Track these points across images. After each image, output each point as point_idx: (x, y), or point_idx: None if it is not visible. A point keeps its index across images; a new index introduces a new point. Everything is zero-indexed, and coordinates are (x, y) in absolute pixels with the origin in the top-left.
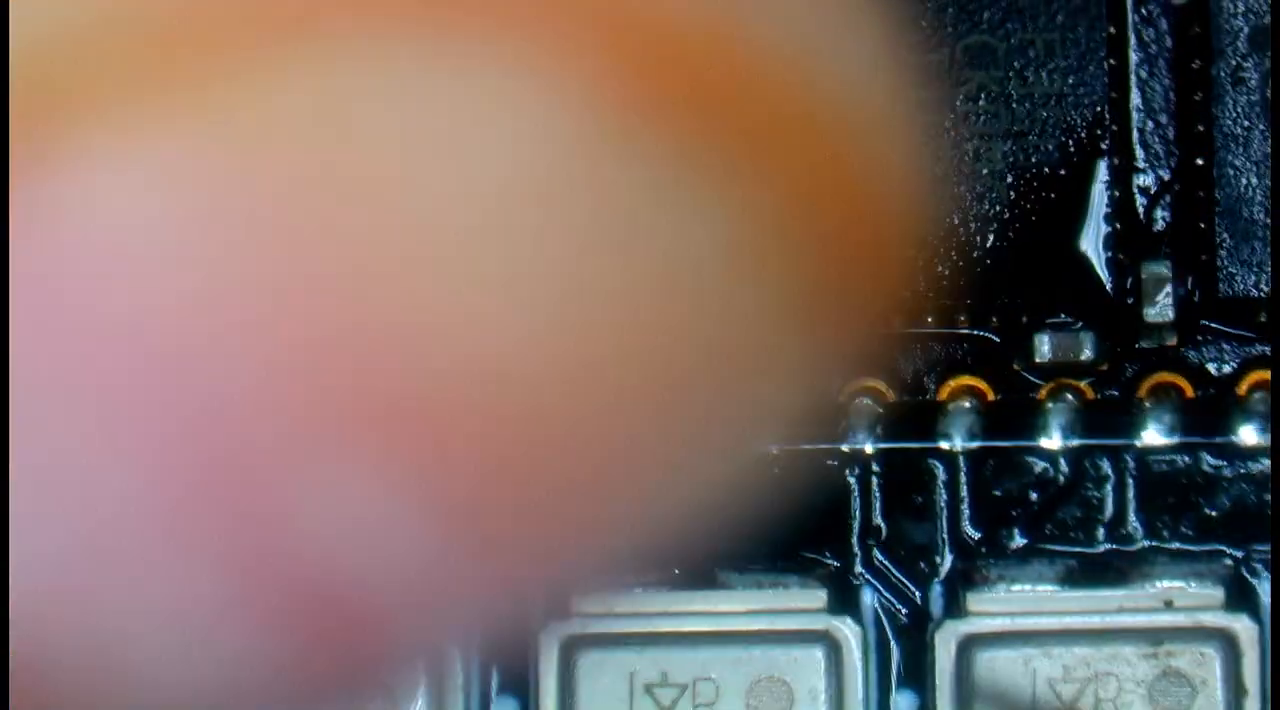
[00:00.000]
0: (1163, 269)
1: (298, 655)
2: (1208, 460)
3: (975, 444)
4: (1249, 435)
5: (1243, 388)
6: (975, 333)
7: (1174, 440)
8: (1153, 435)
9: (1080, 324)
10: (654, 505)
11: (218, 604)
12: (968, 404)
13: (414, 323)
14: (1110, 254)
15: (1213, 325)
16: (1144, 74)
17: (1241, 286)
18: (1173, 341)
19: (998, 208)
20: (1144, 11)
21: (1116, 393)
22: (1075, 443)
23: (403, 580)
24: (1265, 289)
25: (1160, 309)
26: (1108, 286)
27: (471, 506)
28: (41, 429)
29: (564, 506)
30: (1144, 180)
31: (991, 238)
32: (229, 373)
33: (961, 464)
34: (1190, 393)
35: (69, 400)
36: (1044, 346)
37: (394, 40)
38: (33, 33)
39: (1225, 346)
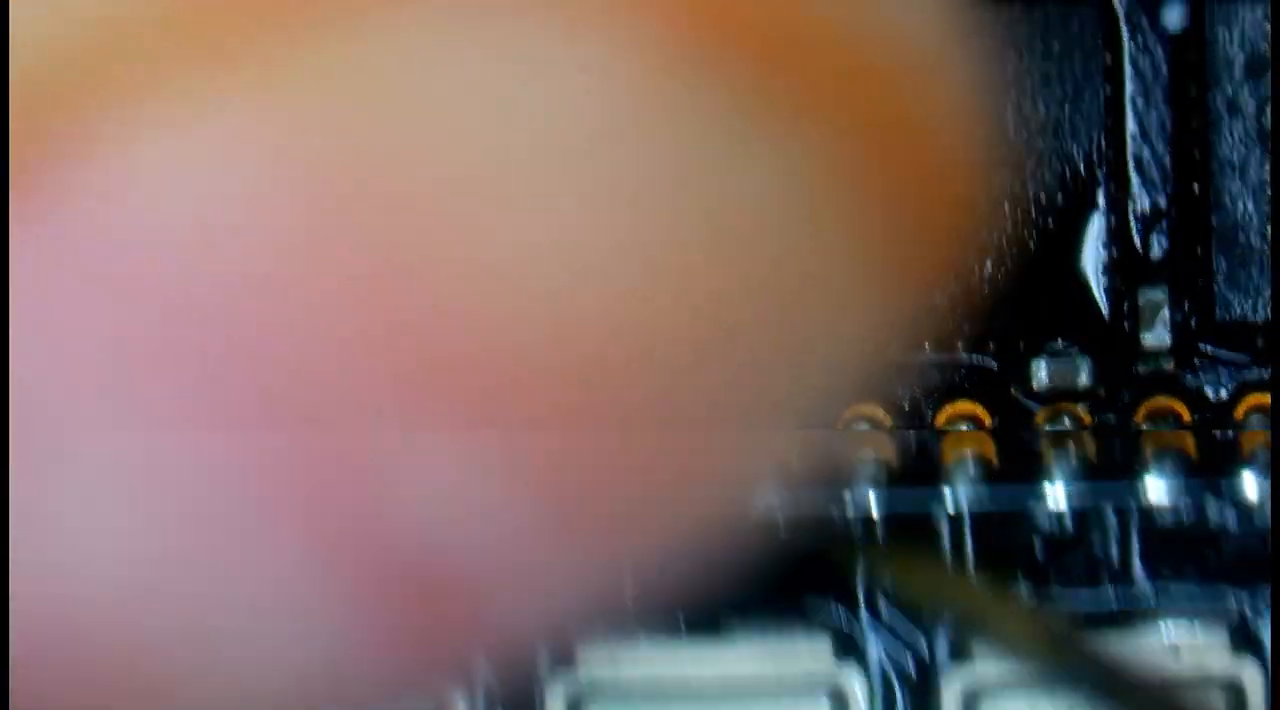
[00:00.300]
0: (1159, 295)
1: (385, 630)
2: (1211, 506)
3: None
4: (1250, 484)
5: (1240, 411)
6: (973, 359)
7: (1177, 490)
8: (1156, 487)
9: (1077, 349)
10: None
11: (303, 578)
12: (970, 462)
13: (479, 281)
14: (1107, 280)
15: (1210, 350)
16: (1140, 102)
17: (1238, 311)
18: (1170, 366)
19: (994, 235)
20: (1139, 39)
21: (1113, 417)
22: (1078, 497)
23: (488, 548)
24: (1262, 314)
25: (1157, 334)
26: (1105, 312)
27: (555, 473)
28: (115, 407)
29: (640, 467)
30: (1140, 207)
31: (988, 265)
32: (305, 344)
33: (965, 516)
34: (1187, 417)
35: (141, 380)
36: (1041, 372)
37: None
38: (79, 10)
39: (1222, 371)
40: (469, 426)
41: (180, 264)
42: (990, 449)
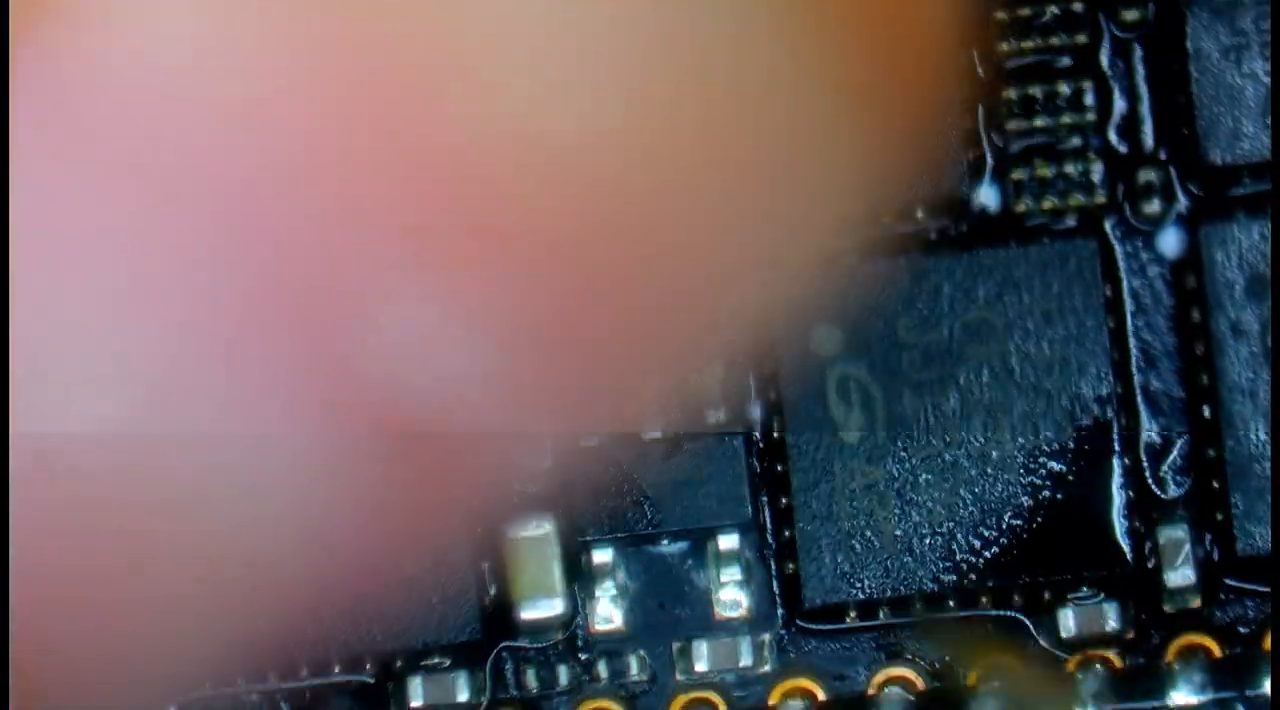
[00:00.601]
0: (1179, 532)
1: (374, 486)
2: None
3: None
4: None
5: (1267, 642)
6: (1000, 613)
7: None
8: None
9: (1102, 595)
10: (720, 302)
11: (297, 431)
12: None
13: (480, 117)
14: (1126, 522)
15: (1234, 584)
16: (1144, 332)
17: (1260, 543)
18: (1196, 603)
19: (1010, 487)
20: (1137, 268)
21: (1143, 660)
22: None
23: (472, 397)
24: None
25: (1181, 573)
26: (1127, 555)
27: (539, 318)
28: (109, 261)
29: (633, 314)
30: (1153, 441)
31: (1008, 517)
32: (294, 194)
33: None
34: (1218, 652)
35: (133, 230)
36: (1069, 621)
37: None
38: None
39: (1249, 603)
40: (457, 275)
41: (182, 96)
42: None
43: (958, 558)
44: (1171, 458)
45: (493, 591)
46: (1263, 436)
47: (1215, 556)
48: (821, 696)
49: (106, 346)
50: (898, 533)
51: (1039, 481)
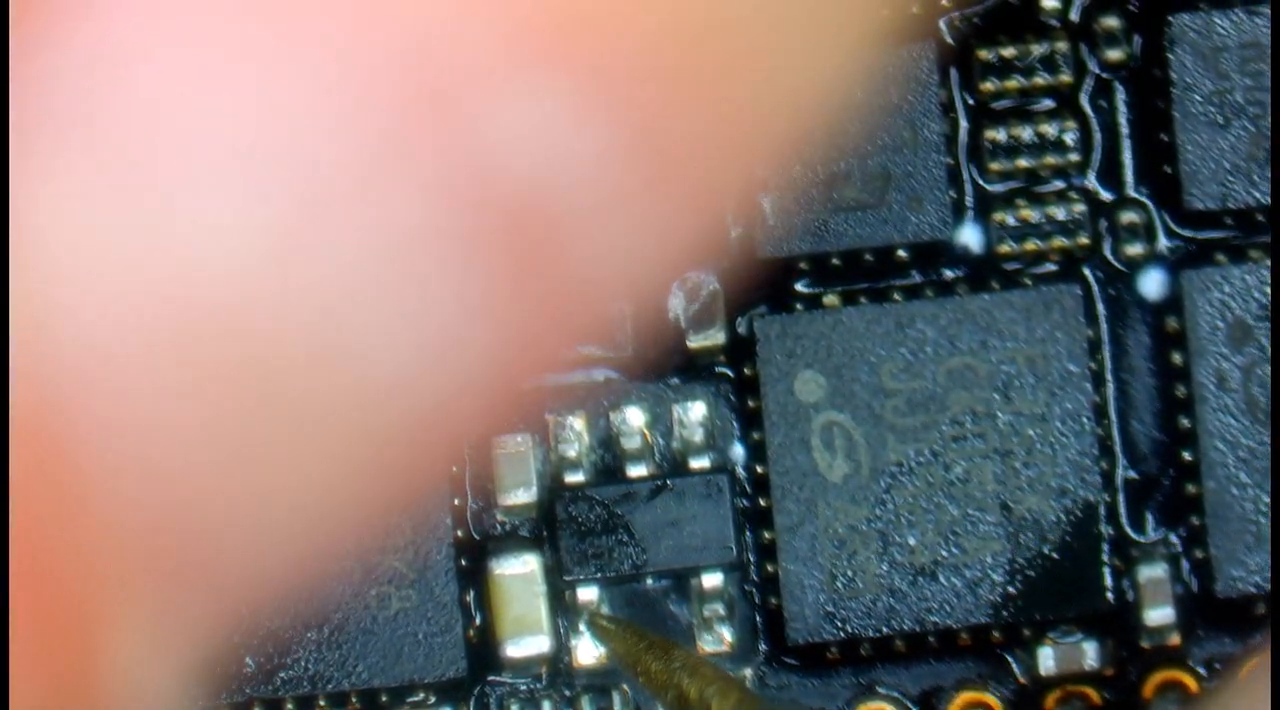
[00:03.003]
0: (1159, 571)
1: (497, 291)
2: None
3: None
4: None
5: (1244, 674)
6: (979, 650)
7: None
8: None
9: (1081, 634)
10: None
11: (426, 227)
12: None
13: None
14: (1106, 560)
15: (1213, 622)
16: (1125, 375)
17: (1239, 583)
18: (1175, 641)
19: (991, 527)
20: (1118, 310)
21: (1121, 696)
22: None
23: (594, 195)
24: (1261, 583)
25: (1160, 611)
26: (1107, 593)
27: (661, 122)
28: (252, 85)
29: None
30: (1133, 480)
31: (989, 557)
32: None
33: None
34: (1195, 689)
35: (278, 50)
36: (1048, 661)
37: None
38: None
39: (1227, 640)
40: (574, 74)
41: None
42: None
43: (940, 597)
44: (1152, 498)
45: (478, 627)
46: (1243, 477)
47: (1195, 591)
48: None
49: (258, 168)
50: (880, 572)
51: (1020, 522)
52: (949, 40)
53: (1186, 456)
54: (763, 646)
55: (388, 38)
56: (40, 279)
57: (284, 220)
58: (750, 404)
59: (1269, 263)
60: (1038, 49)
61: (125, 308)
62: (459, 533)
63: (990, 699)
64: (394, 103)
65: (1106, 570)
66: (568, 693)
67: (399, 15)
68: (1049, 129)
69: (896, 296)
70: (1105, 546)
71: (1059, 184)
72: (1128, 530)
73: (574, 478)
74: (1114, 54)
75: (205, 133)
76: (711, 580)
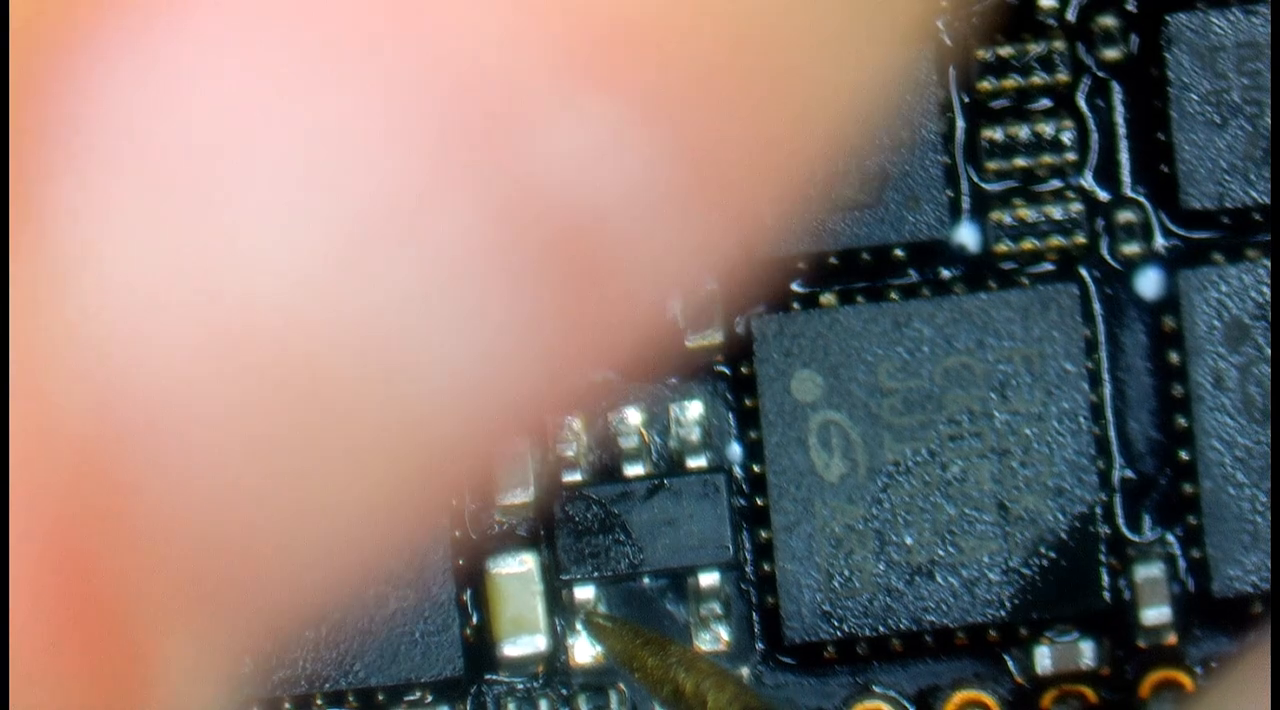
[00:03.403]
0: (1155, 571)
1: (544, 305)
2: None
3: None
4: None
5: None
6: (975, 650)
7: None
8: None
9: (1078, 633)
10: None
11: (475, 250)
12: None
13: None
14: (1103, 559)
15: (1209, 621)
16: (1122, 374)
17: (1236, 582)
18: (1172, 640)
19: (987, 527)
20: (1115, 310)
21: (1118, 696)
22: None
23: (641, 213)
24: (1258, 582)
25: (1157, 610)
26: (1104, 593)
27: (706, 141)
28: (304, 109)
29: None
30: (1130, 479)
31: (986, 557)
32: (465, 26)
33: None
34: (1191, 688)
35: (329, 75)
36: (1045, 660)
37: None
38: None
39: (1224, 640)
40: (621, 94)
41: None
42: None
43: (936, 597)
44: (1149, 497)
45: (475, 626)
46: (1240, 477)
47: (1191, 590)
48: None
49: (313, 182)
50: (876, 571)
51: (1017, 521)
52: (946, 40)
53: (1183, 456)
54: (759, 646)
55: (436, 60)
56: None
57: (333, 244)
58: (747, 403)
59: (1266, 262)
60: (1035, 48)
61: (176, 331)
62: (456, 532)
63: (987, 698)
64: (443, 125)
65: (1103, 569)
66: (564, 692)
67: (448, 38)
68: (1046, 128)
69: (894, 296)
70: (1102, 546)
71: (1056, 183)
72: (1124, 530)
73: (571, 477)
74: (1111, 53)
75: (257, 156)
76: (708, 579)
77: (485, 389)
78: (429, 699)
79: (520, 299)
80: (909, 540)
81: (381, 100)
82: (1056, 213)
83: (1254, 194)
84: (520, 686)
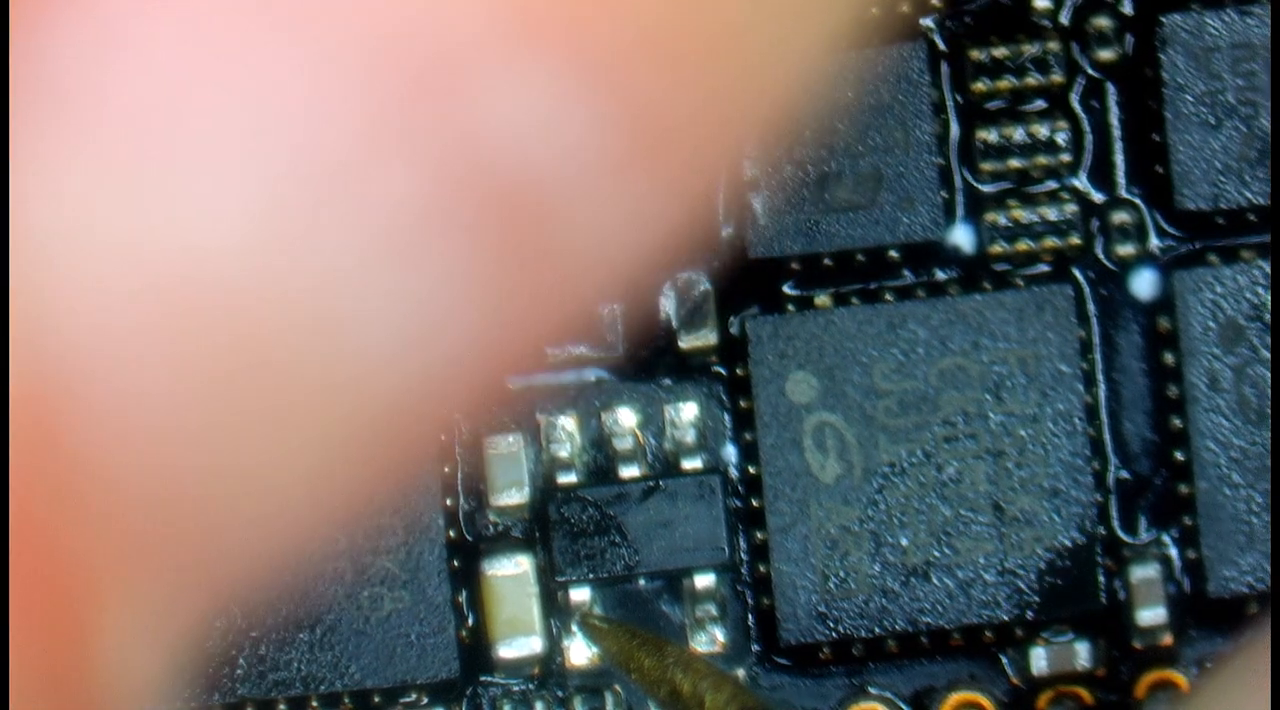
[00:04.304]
0: (1151, 571)
1: (484, 264)
2: None
3: None
4: None
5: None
6: (971, 651)
7: None
8: None
9: (1074, 634)
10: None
11: (415, 211)
12: None
13: None
14: (1098, 560)
15: (1205, 622)
16: (1116, 375)
17: (1231, 582)
18: (1167, 641)
19: (983, 528)
20: (1110, 310)
21: (1114, 696)
22: None
23: (579, 176)
24: (1253, 583)
25: (1152, 611)
26: (1100, 595)
27: (646, 104)
28: (238, 72)
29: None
30: (1125, 480)
31: (981, 558)
32: None
33: None
34: (1187, 688)
35: (268, 37)
36: (1041, 661)
37: None
38: None
39: (1219, 640)
40: (559, 56)
41: None
42: None
43: (932, 598)
44: (1144, 498)
45: (470, 628)
46: (1235, 477)
47: (1187, 590)
48: None
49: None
50: (872, 573)
51: (1012, 522)
52: (940, 40)
53: (1178, 457)
54: (755, 647)
55: (376, 21)
56: (34, 271)
57: (272, 207)
58: (742, 404)
59: (1261, 263)
60: (1029, 49)
61: (117, 298)
62: (451, 533)
63: (983, 699)
64: (383, 87)
65: (1099, 570)
66: (560, 694)
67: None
68: (1041, 129)
69: (888, 297)
70: (1097, 547)
71: (1051, 184)
72: (1120, 531)
73: (566, 478)
74: (1106, 54)
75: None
76: (704, 581)
77: (425, 352)
78: (424, 701)
79: (460, 262)
80: (904, 541)
81: (314, 63)
82: (1051, 214)
83: (1249, 195)
84: (516, 688)
